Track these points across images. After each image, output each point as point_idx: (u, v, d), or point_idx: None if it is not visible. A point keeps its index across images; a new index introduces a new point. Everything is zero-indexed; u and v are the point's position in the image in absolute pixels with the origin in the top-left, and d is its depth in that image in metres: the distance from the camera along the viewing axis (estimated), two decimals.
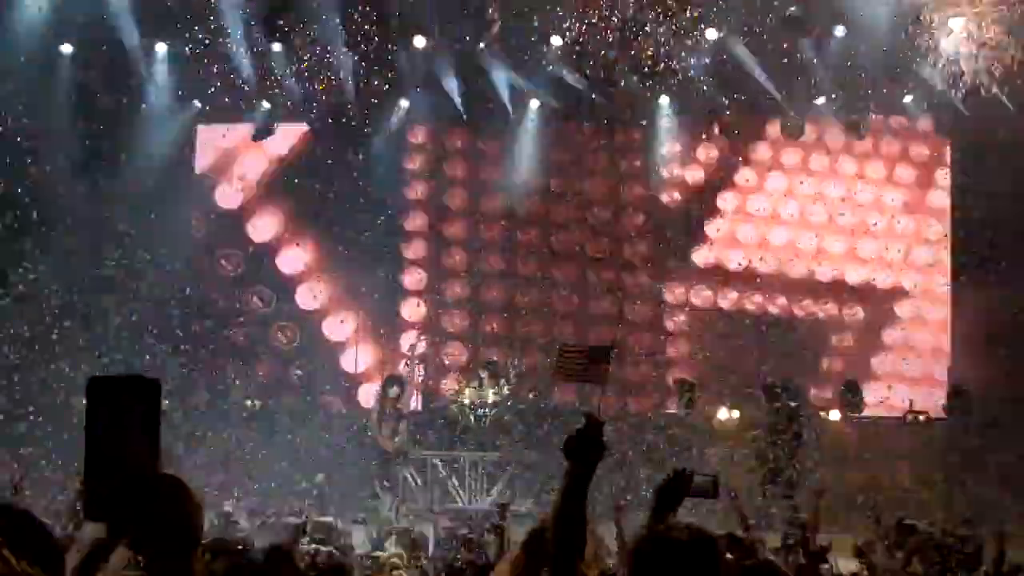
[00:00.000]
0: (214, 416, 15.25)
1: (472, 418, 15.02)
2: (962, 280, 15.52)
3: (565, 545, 3.41)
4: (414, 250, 17.29)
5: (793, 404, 13.65)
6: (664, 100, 16.24)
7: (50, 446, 12.55)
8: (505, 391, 15.00)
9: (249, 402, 15.96)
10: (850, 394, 15.10)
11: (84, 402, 3.62)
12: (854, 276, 16.36)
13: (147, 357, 14.56)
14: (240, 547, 6.69)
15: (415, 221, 17.33)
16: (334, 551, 8.24)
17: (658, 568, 3.07)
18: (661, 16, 14.41)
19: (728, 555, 4.67)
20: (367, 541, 10.41)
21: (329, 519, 10.56)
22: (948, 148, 16.27)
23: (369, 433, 14.37)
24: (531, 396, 15.32)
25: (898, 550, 7.68)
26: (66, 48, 15.57)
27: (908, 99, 15.62)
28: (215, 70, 15.63)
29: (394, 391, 14.25)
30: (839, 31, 14.78)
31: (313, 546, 8.86)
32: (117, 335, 15.06)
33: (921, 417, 14.75)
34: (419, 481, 14.54)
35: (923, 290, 16.18)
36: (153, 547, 3.27)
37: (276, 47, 15.50)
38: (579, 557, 3.41)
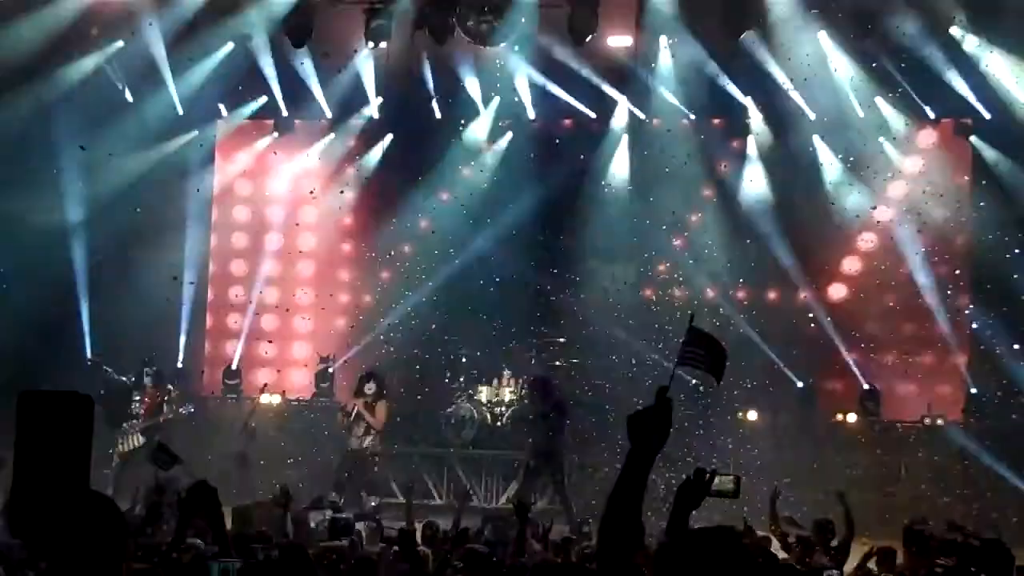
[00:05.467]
0: None
1: (489, 416, 15.04)
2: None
3: (617, 535, 3.06)
4: None
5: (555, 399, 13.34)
6: None
7: None
8: (522, 390, 14.89)
9: None
10: (870, 402, 15.03)
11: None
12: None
13: None
14: None
15: None
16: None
17: (686, 566, 2.94)
18: None
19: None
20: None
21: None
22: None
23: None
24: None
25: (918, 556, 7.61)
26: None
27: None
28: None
29: (370, 387, 13.53)
30: None
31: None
32: None
33: (939, 421, 14.62)
34: (437, 478, 14.61)
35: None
36: (75, 567, 3.15)
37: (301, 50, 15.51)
38: (634, 548, 3.08)
